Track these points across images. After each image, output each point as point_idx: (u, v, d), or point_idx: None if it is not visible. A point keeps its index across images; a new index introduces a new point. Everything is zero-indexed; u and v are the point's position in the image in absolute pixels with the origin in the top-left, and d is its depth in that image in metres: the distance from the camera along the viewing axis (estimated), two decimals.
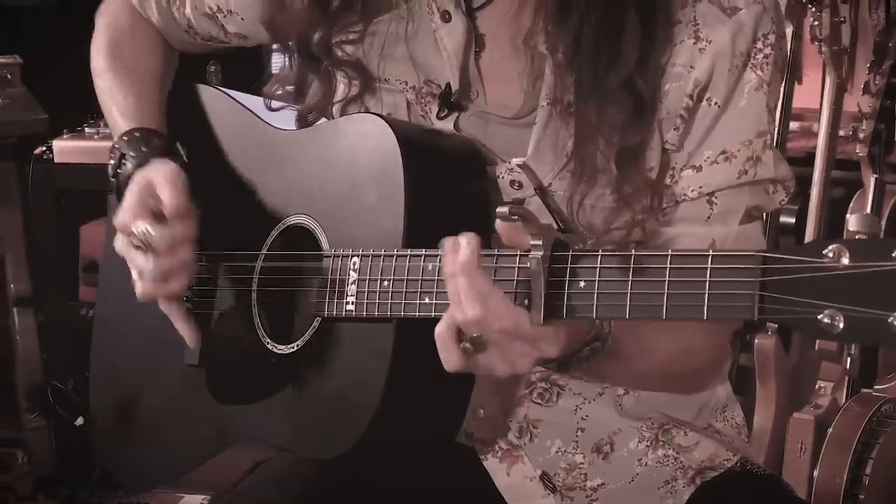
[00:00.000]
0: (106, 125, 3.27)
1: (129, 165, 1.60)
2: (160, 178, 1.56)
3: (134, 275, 1.56)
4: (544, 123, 1.46)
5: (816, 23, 2.67)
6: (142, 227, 1.52)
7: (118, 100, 1.69)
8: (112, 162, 1.63)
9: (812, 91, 2.84)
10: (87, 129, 3.35)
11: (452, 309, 1.26)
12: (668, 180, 1.47)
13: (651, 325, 1.41)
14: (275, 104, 1.66)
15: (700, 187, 1.46)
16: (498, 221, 1.24)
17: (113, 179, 1.63)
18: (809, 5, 2.67)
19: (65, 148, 3.28)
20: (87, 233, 3.66)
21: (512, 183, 1.48)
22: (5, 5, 3.97)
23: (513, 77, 1.50)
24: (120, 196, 1.60)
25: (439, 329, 1.27)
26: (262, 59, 3.47)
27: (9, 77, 3.38)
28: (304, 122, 1.63)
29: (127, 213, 1.55)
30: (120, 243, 1.57)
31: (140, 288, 1.55)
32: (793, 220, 3.00)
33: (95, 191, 3.36)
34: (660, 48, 1.41)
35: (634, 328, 1.37)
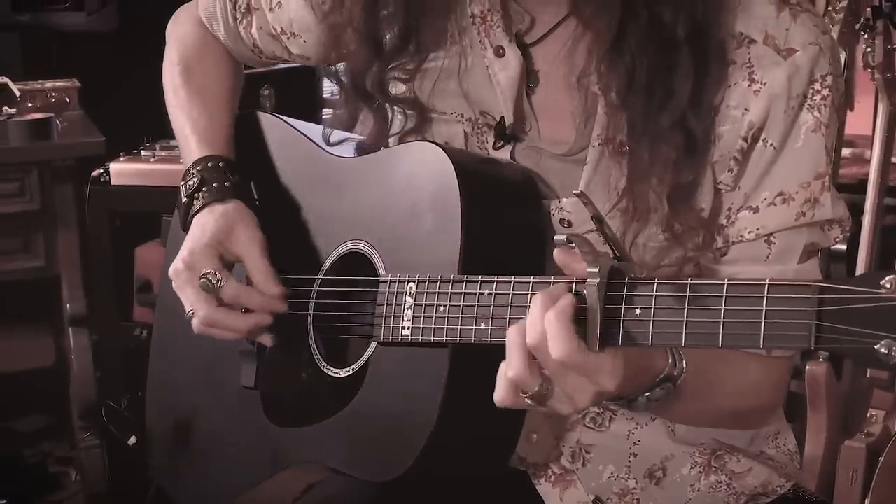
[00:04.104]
0: (161, 148, 3.36)
1: (208, 195, 1.62)
2: (249, 243, 1.59)
3: (187, 306, 1.59)
4: (595, 162, 1.46)
5: (869, 49, 2.66)
6: (213, 273, 1.56)
7: (193, 118, 1.72)
8: (191, 183, 1.64)
9: (864, 117, 2.82)
10: (143, 152, 3.39)
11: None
12: (723, 220, 1.46)
13: (717, 364, 1.42)
14: (334, 138, 1.67)
15: (757, 229, 1.45)
16: (556, 250, 1.25)
17: (186, 199, 1.63)
18: (862, 32, 2.66)
19: (121, 170, 3.30)
20: (142, 254, 3.70)
21: (561, 221, 1.49)
22: (64, 30, 4.04)
23: (566, 114, 1.50)
24: (188, 219, 1.62)
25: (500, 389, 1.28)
26: (315, 83, 3.50)
27: (67, 100, 3.43)
28: (362, 150, 1.64)
29: (198, 251, 1.58)
30: (180, 276, 1.59)
31: (196, 324, 1.59)
32: (844, 248, 2.98)
33: (151, 213, 3.42)
34: (713, 87, 1.40)
35: (702, 369, 1.37)
